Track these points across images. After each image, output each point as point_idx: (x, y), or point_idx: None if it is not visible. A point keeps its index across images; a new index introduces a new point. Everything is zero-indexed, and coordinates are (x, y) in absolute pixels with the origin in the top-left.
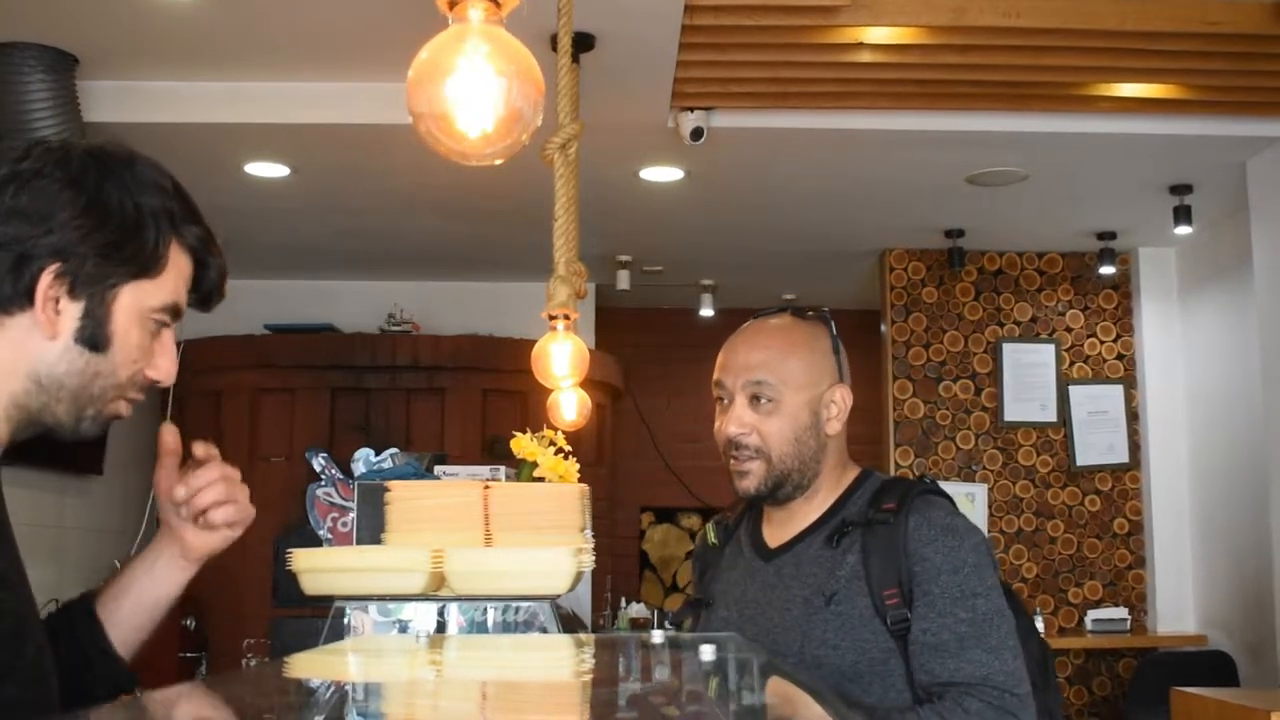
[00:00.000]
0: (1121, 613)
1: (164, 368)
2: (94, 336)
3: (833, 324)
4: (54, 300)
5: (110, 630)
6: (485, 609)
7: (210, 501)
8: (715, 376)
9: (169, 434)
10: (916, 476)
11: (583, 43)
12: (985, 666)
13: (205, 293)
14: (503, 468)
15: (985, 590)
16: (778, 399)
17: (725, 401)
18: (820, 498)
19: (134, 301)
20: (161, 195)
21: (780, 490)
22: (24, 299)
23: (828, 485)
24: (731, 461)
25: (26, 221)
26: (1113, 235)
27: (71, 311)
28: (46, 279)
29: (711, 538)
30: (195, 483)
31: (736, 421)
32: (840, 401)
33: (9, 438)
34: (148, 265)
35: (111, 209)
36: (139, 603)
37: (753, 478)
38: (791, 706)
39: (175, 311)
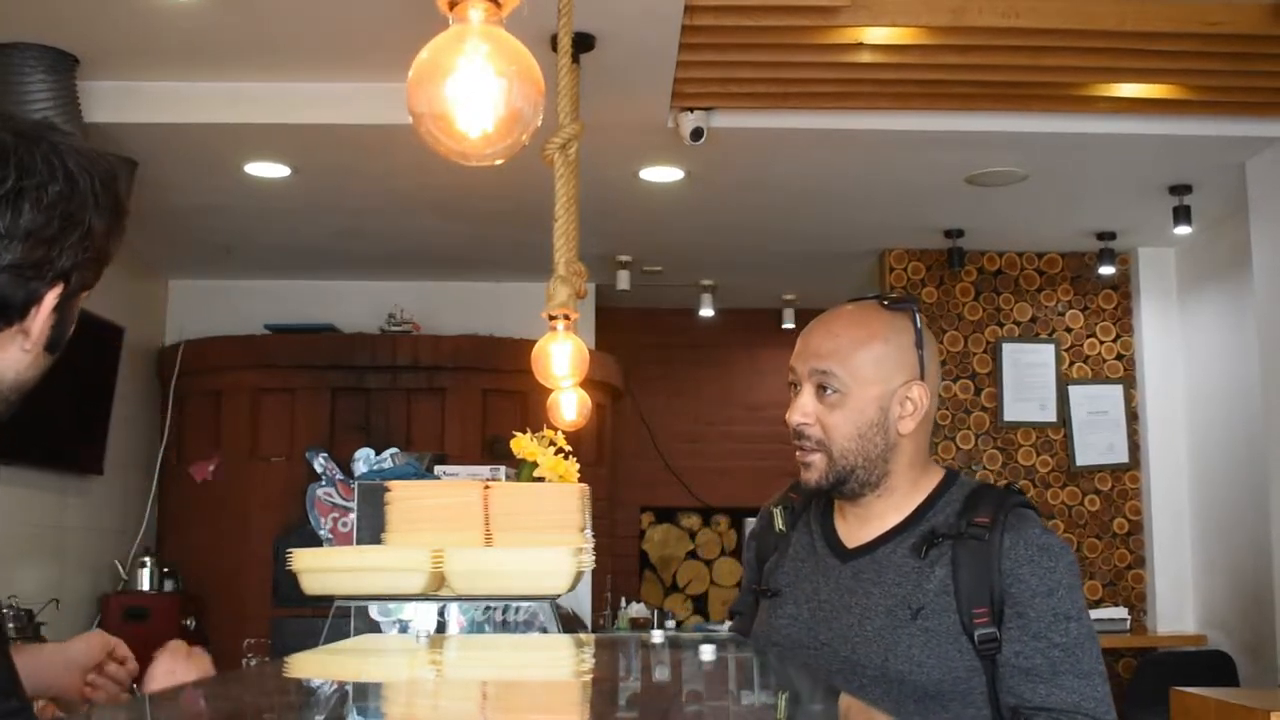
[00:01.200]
0: (1121, 612)
1: None
2: (58, 341)
3: (919, 316)
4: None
5: None
6: (485, 609)
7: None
8: (790, 361)
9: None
10: (1004, 486)
11: (583, 43)
12: (1077, 694)
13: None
14: (503, 468)
15: (1078, 613)
16: (844, 391)
17: (796, 388)
18: (898, 498)
19: (80, 300)
20: (119, 197)
21: (844, 485)
22: (17, 318)
23: (904, 485)
24: (797, 452)
25: (41, 244)
26: (1112, 235)
27: (48, 322)
28: (50, 302)
29: (780, 524)
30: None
31: (800, 410)
32: (917, 399)
33: None
34: (102, 272)
35: (99, 227)
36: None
37: (814, 470)
38: None
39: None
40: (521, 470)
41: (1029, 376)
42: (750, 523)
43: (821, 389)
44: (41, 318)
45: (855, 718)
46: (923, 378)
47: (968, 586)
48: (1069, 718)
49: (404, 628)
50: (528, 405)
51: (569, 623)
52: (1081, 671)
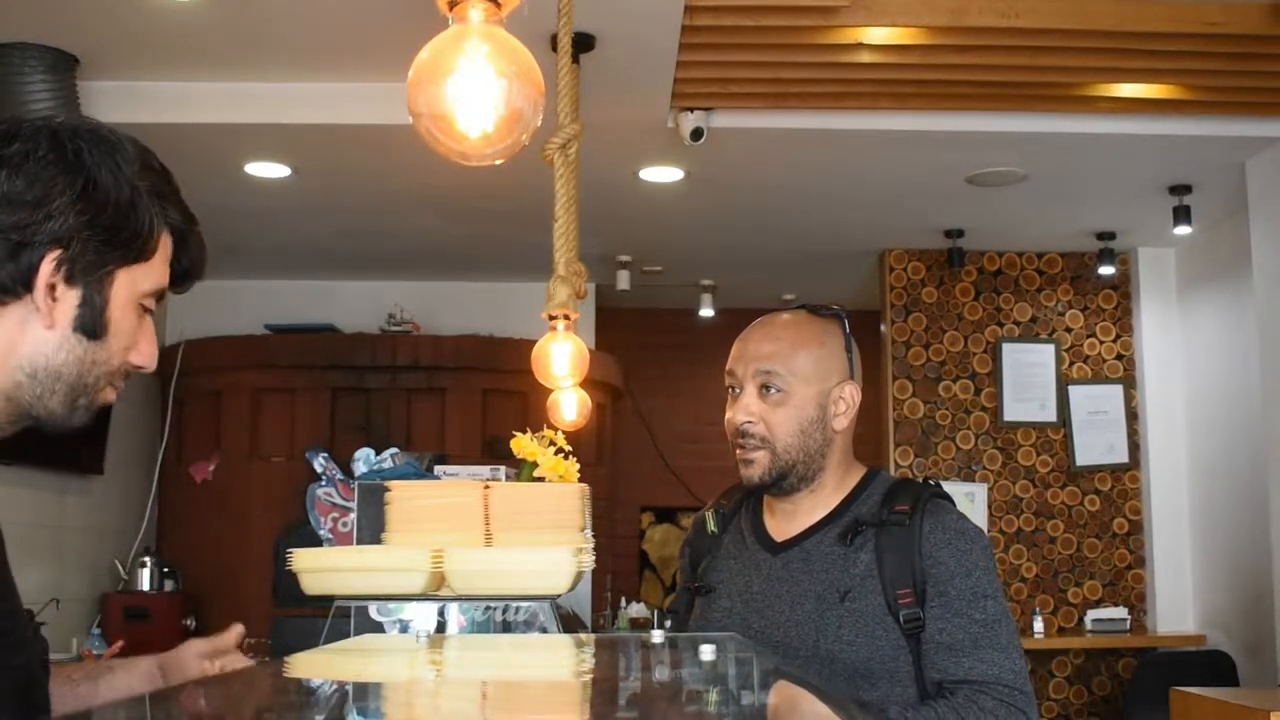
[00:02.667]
0: (1121, 612)
1: (147, 352)
2: (92, 324)
3: (846, 322)
4: (51, 288)
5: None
6: (485, 609)
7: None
8: (728, 366)
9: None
10: (922, 479)
11: (583, 43)
12: (997, 666)
13: (183, 272)
14: (503, 468)
15: (994, 592)
16: (786, 390)
17: (736, 391)
18: (827, 493)
19: (128, 286)
20: (151, 175)
21: (785, 481)
22: (20, 287)
23: (833, 481)
24: (738, 450)
25: (24, 207)
26: (1112, 235)
27: (69, 299)
28: (47, 267)
29: (711, 525)
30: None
31: (744, 410)
32: (849, 398)
33: None
34: (142, 250)
35: (109, 191)
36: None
37: (757, 467)
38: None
39: (161, 295)
40: (521, 470)
41: (1029, 376)
42: None
43: (765, 388)
44: (42, 288)
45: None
46: (852, 378)
47: (891, 570)
48: (990, 689)
49: (404, 628)
50: (528, 405)
51: (569, 623)
52: (1000, 645)
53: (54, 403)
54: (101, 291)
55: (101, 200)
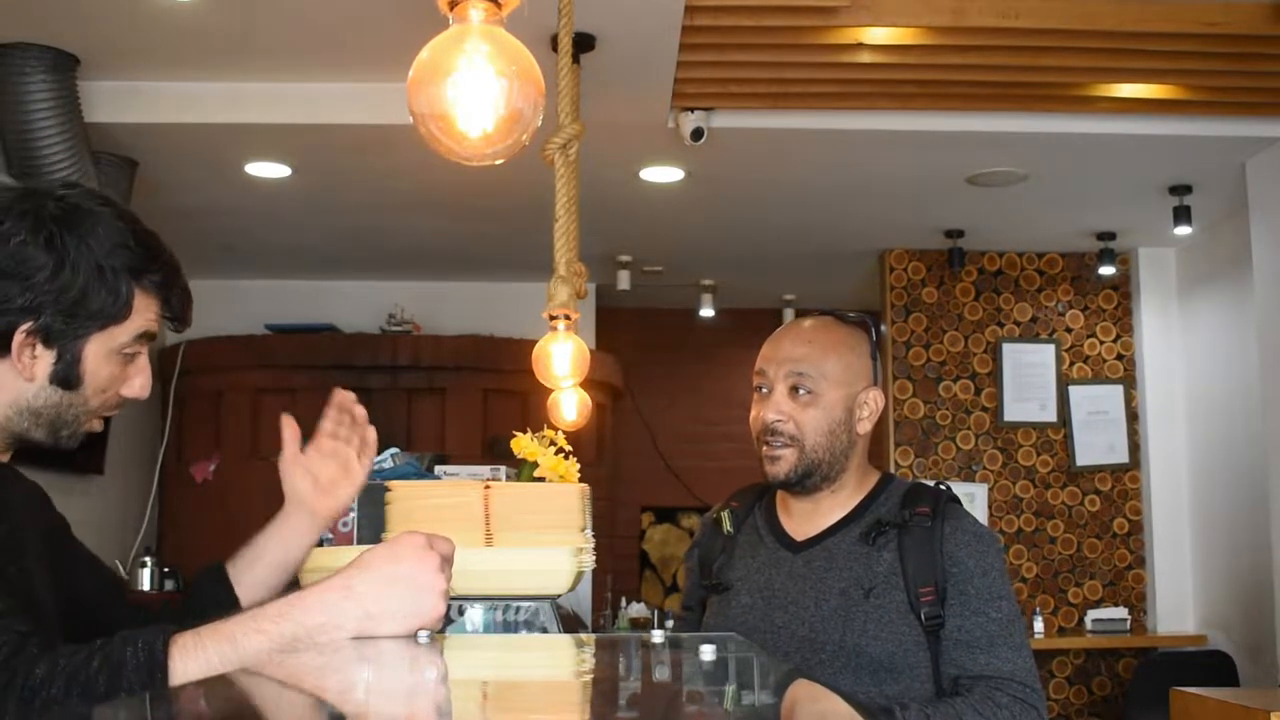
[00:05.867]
0: (1121, 612)
1: (138, 385)
2: (66, 378)
3: (873, 330)
4: (29, 349)
5: (240, 590)
6: (485, 609)
7: (329, 480)
8: (758, 366)
9: (289, 427)
10: (935, 484)
11: (583, 43)
12: (1011, 663)
13: (173, 319)
14: (503, 468)
15: (1008, 594)
16: (816, 391)
17: (764, 390)
18: (846, 494)
19: (102, 345)
20: (124, 252)
21: (809, 479)
22: (2, 350)
23: (853, 482)
24: (764, 448)
25: (4, 279)
26: (1112, 235)
27: (46, 357)
28: (20, 336)
29: (728, 525)
30: (315, 469)
31: (775, 408)
32: (873, 403)
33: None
34: (113, 316)
35: (77, 273)
36: (272, 565)
37: (784, 464)
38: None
39: (147, 336)
40: (521, 470)
41: (1029, 376)
42: None
43: (795, 389)
44: (15, 351)
45: (815, 699)
46: (877, 384)
47: (914, 568)
48: (1005, 685)
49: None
50: (528, 405)
51: (569, 623)
52: (1014, 644)
53: (38, 434)
54: (75, 352)
55: (67, 281)
